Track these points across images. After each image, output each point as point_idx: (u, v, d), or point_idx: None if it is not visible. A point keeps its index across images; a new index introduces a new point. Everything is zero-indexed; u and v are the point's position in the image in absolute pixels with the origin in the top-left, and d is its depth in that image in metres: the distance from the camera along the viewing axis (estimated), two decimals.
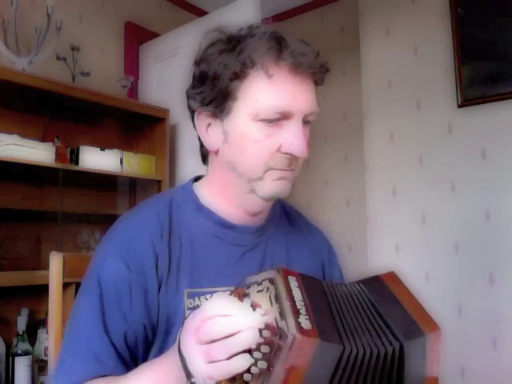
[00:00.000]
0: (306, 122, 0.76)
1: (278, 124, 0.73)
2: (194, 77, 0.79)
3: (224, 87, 0.73)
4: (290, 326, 0.50)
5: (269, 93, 0.71)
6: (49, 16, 2.04)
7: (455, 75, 2.29)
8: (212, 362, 0.54)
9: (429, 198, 2.36)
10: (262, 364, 0.53)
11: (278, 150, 0.73)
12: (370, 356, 0.55)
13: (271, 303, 0.54)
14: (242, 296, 0.57)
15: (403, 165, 2.46)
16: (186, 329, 0.58)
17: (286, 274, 0.56)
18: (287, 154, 0.73)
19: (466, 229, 2.24)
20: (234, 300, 0.56)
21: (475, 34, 2.25)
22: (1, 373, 1.82)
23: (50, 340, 0.91)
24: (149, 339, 0.75)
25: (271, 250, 0.85)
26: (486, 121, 2.22)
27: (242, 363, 0.53)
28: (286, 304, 0.52)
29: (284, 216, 0.93)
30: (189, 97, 0.80)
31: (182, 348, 0.58)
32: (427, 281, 2.31)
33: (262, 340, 0.53)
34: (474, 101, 2.24)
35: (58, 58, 2.22)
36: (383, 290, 0.64)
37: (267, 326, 0.53)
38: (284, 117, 0.73)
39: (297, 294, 0.54)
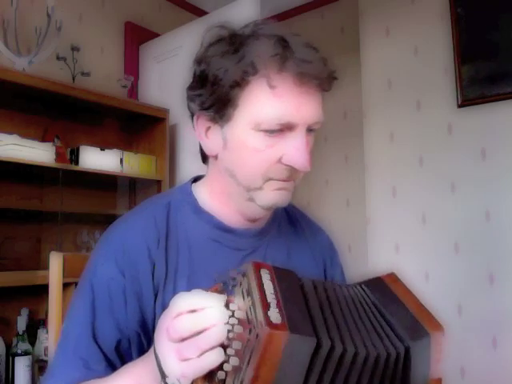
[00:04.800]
0: (309, 130, 0.72)
1: (280, 134, 0.69)
2: (193, 76, 0.76)
3: (224, 94, 0.70)
4: (259, 320, 0.49)
5: (271, 103, 0.68)
6: (49, 16, 2.04)
7: (455, 75, 2.29)
8: (184, 359, 0.53)
9: (429, 198, 2.36)
10: (235, 361, 0.51)
11: (279, 160, 0.70)
12: (366, 358, 0.53)
13: (243, 297, 0.53)
14: (218, 292, 0.56)
15: (403, 165, 2.46)
16: (158, 328, 0.57)
17: (258, 267, 0.55)
18: (288, 165, 0.70)
19: (466, 229, 2.24)
20: (204, 294, 0.55)
21: (475, 34, 2.25)
22: (1, 373, 1.81)
23: (50, 340, 0.91)
24: (144, 346, 0.73)
25: (272, 252, 0.83)
26: (486, 121, 2.22)
27: (213, 359, 0.52)
28: (257, 297, 0.51)
29: (285, 216, 0.91)
30: (188, 98, 0.77)
31: (156, 348, 0.57)
32: (427, 281, 2.31)
33: (234, 335, 0.52)
34: (474, 101, 2.24)
35: (57, 58, 2.22)
36: (385, 290, 0.63)
37: (239, 321, 0.52)
38: (287, 128, 0.69)
39: (268, 286, 0.52)
